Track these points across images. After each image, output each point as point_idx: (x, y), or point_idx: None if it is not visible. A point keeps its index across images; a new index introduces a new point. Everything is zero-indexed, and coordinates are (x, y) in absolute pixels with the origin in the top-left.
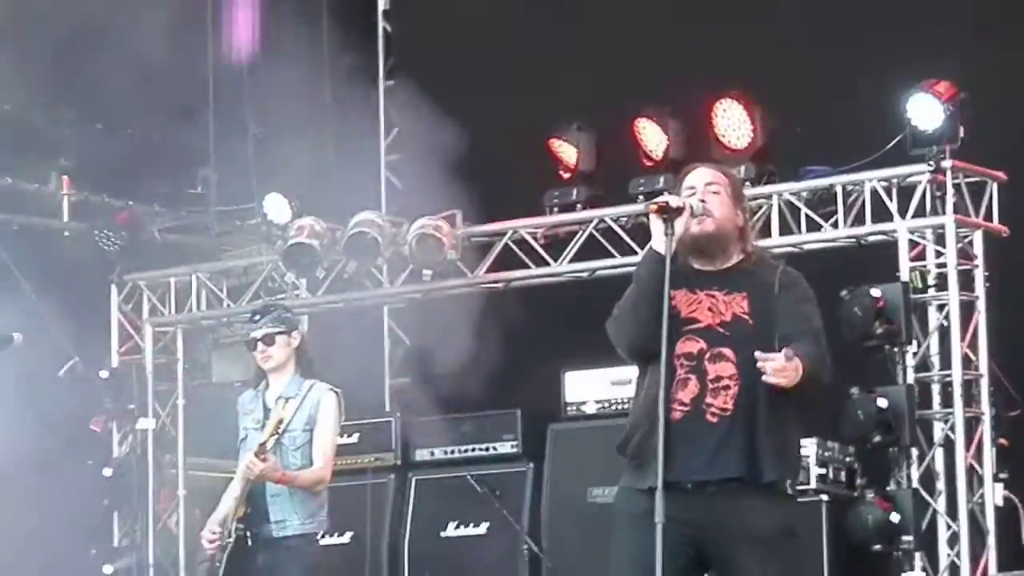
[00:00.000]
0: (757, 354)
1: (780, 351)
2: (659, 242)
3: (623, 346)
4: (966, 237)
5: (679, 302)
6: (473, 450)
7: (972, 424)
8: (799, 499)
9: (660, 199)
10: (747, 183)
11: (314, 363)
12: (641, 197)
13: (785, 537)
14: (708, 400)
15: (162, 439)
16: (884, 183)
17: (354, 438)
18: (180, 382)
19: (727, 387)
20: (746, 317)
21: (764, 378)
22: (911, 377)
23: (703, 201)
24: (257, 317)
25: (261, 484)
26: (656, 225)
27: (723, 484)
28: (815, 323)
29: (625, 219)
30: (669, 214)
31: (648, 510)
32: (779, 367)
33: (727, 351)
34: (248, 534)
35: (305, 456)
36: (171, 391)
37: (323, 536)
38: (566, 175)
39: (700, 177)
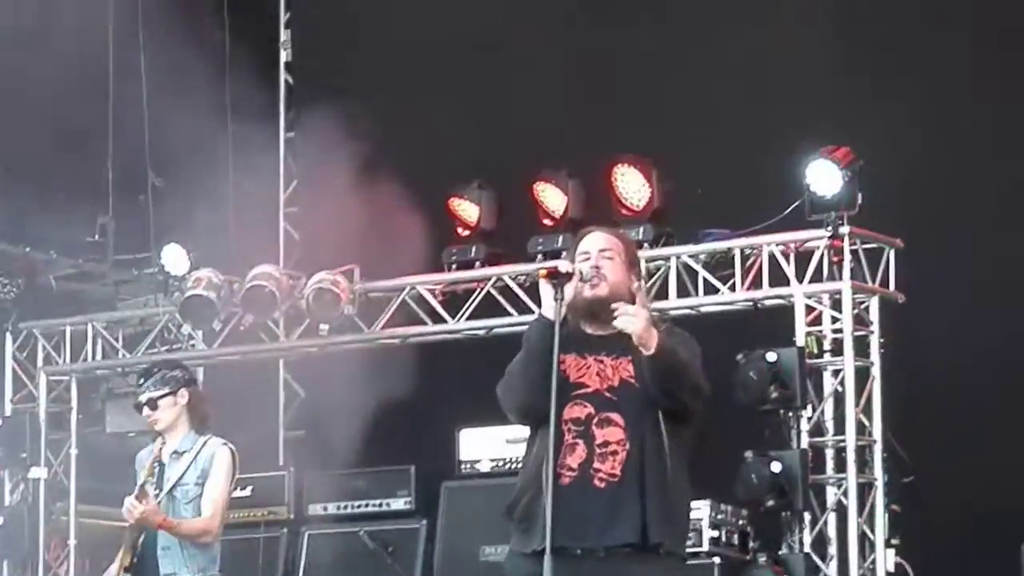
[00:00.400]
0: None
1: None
2: (548, 307)
3: (511, 410)
4: (862, 303)
5: (568, 366)
6: (367, 505)
7: (865, 490)
8: (691, 561)
9: (550, 264)
10: (644, 245)
11: (208, 418)
12: (540, 256)
13: None
14: (596, 465)
15: (54, 488)
16: (782, 247)
17: (247, 491)
18: (73, 431)
19: (615, 452)
20: (632, 380)
21: (616, 323)
22: (805, 442)
23: (597, 267)
24: (142, 380)
25: (152, 537)
26: (546, 290)
27: (612, 550)
28: (690, 349)
29: (523, 277)
30: (559, 279)
31: (534, 574)
32: (633, 311)
33: (615, 416)
34: None
35: (196, 510)
36: (64, 440)
37: None
38: (465, 232)
39: (594, 242)
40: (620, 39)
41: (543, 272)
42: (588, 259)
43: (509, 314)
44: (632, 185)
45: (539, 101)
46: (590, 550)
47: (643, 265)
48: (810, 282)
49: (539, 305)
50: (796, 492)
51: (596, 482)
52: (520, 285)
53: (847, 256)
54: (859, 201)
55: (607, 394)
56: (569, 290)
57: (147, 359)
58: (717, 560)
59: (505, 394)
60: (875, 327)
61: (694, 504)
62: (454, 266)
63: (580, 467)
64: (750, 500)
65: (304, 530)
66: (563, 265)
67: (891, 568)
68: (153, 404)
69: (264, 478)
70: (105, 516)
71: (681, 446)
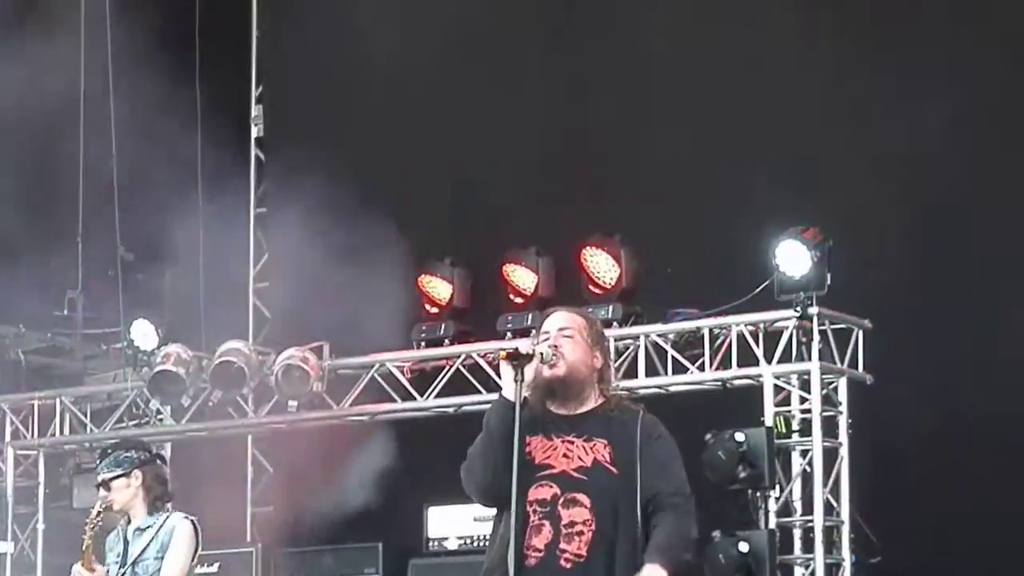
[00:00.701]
0: None
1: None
2: (509, 389)
3: (473, 492)
4: (831, 383)
5: (535, 448)
6: None
7: (833, 570)
8: None
9: (510, 346)
10: (614, 324)
11: (164, 497)
12: (509, 334)
13: None
14: (562, 546)
15: (21, 563)
16: (751, 327)
17: (214, 567)
18: (41, 506)
19: (581, 532)
20: (610, 466)
21: None
22: (773, 522)
23: (556, 346)
24: (98, 461)
25: None
26: (506, 372)
27: None
28: (679, 479)
29: (492, 355)
30: (519, 360)
31: None
32: None
33: (581, 496)
34: None
35: None
36: (31, 515)
37: None
38: (434, 310)
39: (555, 322)
40: (591, 116)
41: (504, 354)
42: (548, 339)
43: (478, 391)
44: (602, 265)
45: (509, 179)
46: None
47: (612, 344)
48: (779, 362)
49: None
50: (764, 572)
51: (562, 562)
52: (489, 363)
53: (816, 336)
54: (828, 281)
55: (574, 474)
56: (529, 371)
57: (115, 434)
58: None
59: (467, 476)
60: (843, 407)
61: None
62: (423, 343)
63: (546, 548)
64: None
65: None
66: (523, 346)
67: None
68: (107, 485)
69: (232, 554)
70: None
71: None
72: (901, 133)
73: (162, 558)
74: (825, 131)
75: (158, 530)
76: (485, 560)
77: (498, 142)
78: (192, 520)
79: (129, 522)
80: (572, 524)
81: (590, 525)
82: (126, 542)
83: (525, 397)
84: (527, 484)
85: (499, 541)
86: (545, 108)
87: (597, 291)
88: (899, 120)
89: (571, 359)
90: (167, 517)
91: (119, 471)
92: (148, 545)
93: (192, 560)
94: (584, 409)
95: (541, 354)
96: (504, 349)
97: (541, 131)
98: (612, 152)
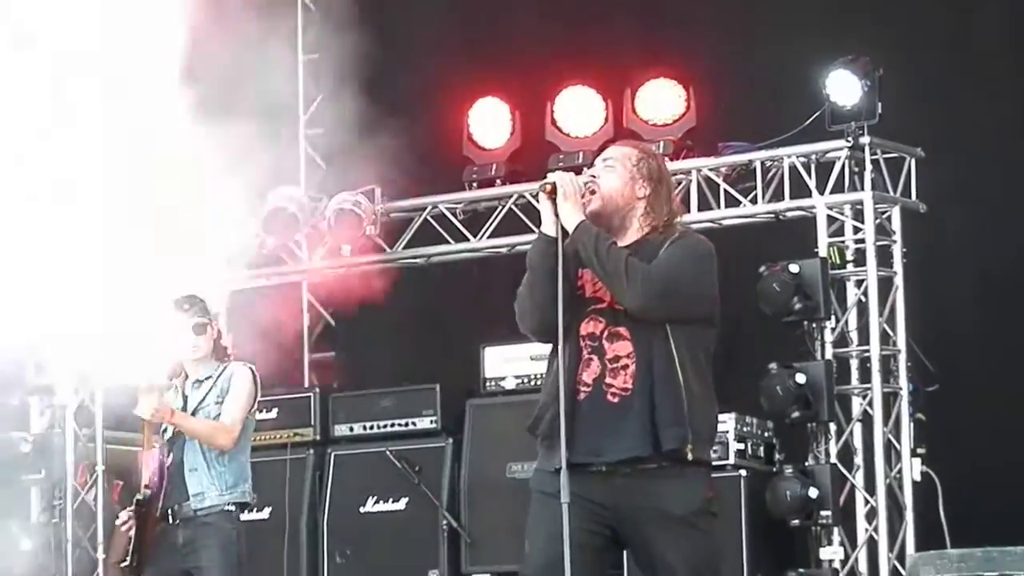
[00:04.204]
0: None
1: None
2: (549, 224)
3: (528, 330)
4: (884, 213)
5: (586, 282)
6: (392, 425)
7: (890, 399)
8: (717, 475)
9: (548, 180)
10: (665, 158)
11: (226, 347)
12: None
13: (700, 516)
14: (608, 380)
15: (81, 414)
16: (803, 159)
17: (273, 413)
18: None
19: (625, 366)
20: None
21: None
22: (829, 353)
23: (593, 176)
24: (186, 306)
25: (180, 461)
26: (545, 206)
27: (632, 464)
28: (681, 258)
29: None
30: (557, 194)
31: (559, 490)
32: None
33: (623, 329)
34: (169, 511)
35: None
36: None
37: (244, 511)
38: (485, 150)
39: (602, 154)
40: None
41: (548, 188)
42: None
43: (531, 231)
44: (652, 100)
45: (558, 18)
46: (612, 465)
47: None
48: (831, 193)
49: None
50: (821, 403)
51: (609, 397)
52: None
53: (868, 166)
54: (879, 110)
55: (617, 306)
56: None
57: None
58: (743, 473)
59: (519, 315)
60: (897, 236)
61: (720, 417)
62: (475, 184)
63: (594, 383)
64: (775, 412)
65: (331, 451)
66: (559, 178)
67: (917, 477)
68: (201, 329)
69: (290, 400)
70: (132, 442)
71: (694, 351)
72: None
73: (222, 402)
74: None
75: (217, 379)
76: (541, 396)
77: None
78: (251, 367)
79: (186, 378)
80: (617, 358)
81: (632, 358)
82: (185, 397)
83: (567, 231)
84: (579, 318)
85: (552, 377)
86: None
87: (648, 126)
88: None
89: (606, 188)
90: (225, 366)
91: (208, 317)
92: (208, 393)
93: (252, 407)
94: (629, 240)
95: (583, 184)
96: (545, 183)
97: None
98: None
